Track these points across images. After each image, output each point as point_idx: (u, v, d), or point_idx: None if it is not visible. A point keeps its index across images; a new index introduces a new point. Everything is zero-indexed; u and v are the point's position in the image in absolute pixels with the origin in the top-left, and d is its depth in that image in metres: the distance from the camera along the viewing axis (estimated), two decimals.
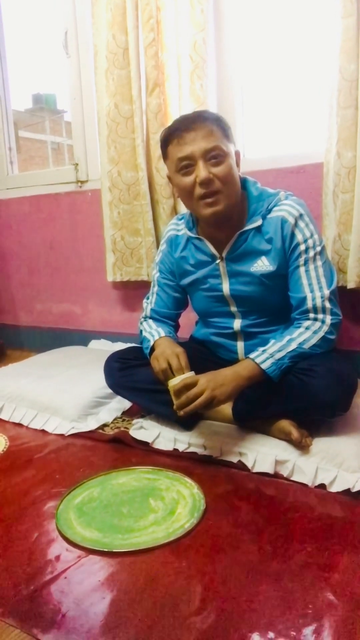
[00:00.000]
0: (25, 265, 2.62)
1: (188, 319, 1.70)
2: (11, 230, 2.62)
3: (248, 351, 1.38)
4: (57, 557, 1.01)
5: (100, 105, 2.02)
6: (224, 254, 1.43)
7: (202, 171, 1.28)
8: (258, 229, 1.38)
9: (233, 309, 1.49)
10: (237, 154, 1.37)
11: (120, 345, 2.22)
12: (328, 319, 1.33)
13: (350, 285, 1.61)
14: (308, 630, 0.80)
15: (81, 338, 2.42)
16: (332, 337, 1.33)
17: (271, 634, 0.80)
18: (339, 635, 0.79)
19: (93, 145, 2.24)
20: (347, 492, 1.18)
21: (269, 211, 1.38)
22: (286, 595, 0.88)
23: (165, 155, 1.38)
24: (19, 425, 1.71)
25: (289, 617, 0.83)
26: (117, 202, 2.06)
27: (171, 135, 1.32)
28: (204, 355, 1.57)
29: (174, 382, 1.28)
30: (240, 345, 1.52)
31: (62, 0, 2.21)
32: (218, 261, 1.44)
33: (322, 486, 1.22)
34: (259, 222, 1.37)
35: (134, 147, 1.99)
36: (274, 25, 1.88)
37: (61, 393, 1.74)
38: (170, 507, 1.16)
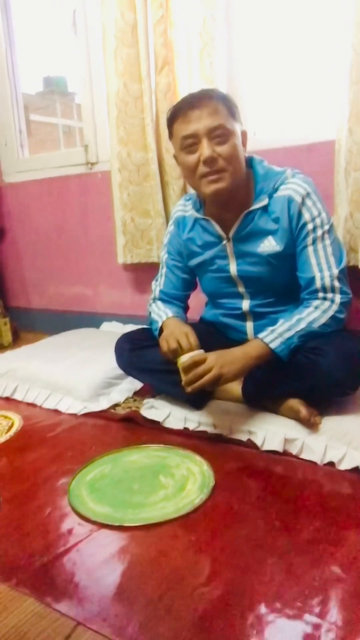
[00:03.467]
0: (36, 249, 2.63)
1: (198, 301, 1.70)
2: (22, 213, 2.63)
3: (257, 331, 1.38)
4: (70, 531, 1.04)
5: (109, 85, 2.00)
6: (230, 235, 1.42)
7: (205, 149, 1.27)
8: (265, 209, 1.37)
9: (241, 289, 1.49)
10: (244, 133, 1.36)
11: (131, 327, 2.22)
12: (337, 297, 1.32)
13: None
14: (314, 601, 0.82)
15: (93, 320, 2.44)
16: (342, 316, 1.33)
17: (277, 604, 0.82)
18: (345, 606, 0.81)
19: (103, 126, 2.23)
20: (356, 469, 1.19)
21: (276, 190, 1.36)
22: (293, 569, 0.90)
23: (170, 133, 1.37)
24: (33, 405, 1.74)
25: (296, 589, 0.85)
26: (127, 183, 2.05)
27: (176, 114, 1.31)
28: (213, 336, 1.57)
29: (183, 360, 1.29)
30: (249, 325, 1.52)
31: None
32: (225, 242, 1.44)
33: (331, 464, 1.23)
34: (265, 202, 1.36)
35: (143, 127, 1.98)
36: (285, 0, 1.84)
37: (73, 374, 1.76)
38: (180, 483, 1.18)
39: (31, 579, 0.90)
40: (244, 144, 1.36)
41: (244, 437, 1.36)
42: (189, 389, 1.27)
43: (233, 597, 0.84)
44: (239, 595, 0.84)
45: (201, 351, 1.31)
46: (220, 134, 1.27)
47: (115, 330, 2.31)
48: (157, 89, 1.90)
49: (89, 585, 0.88)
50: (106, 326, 2.39)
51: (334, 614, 0.79)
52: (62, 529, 1.05)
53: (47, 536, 1.02)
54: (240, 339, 1.51)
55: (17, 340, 2.57)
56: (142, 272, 2.25)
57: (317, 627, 0.77)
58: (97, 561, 0.94)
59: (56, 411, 1.67)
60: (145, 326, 1.65)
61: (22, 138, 2.65)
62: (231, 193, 1.34)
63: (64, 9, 2.26)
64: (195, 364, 1.26)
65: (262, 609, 0.81)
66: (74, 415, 1.63)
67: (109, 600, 0.85)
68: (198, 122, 1.27)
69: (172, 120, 1.33)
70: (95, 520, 1.06)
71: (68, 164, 2.42)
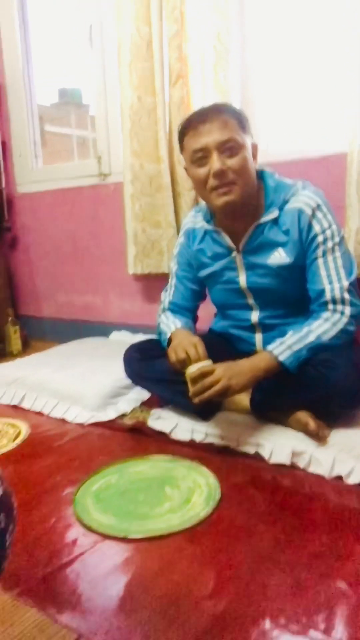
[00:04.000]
0: (48, 258, 2.65)
1: (207, 312, 1.70)
2: (35, 223, 2.66)
3: (267, 343, 1.37)
4: (74, 542, 1.03)
5: (123, 98, 2.03)
6: (240, 247, 1.42)
7: (215, 163, 1.28)
8: (275, 221, 1.37)
9: (250, 301, 1.48)
10: (254, 146, 1.37)
11: (140, 337, 2.23)
12: (347, 310, 1.31)
13: None
14: (319, 617, 0.80)
15: (102, 330, 2.45)
16: (352, 328, 1.32)
17: (282, 620, 0.80)
18: (350, 622, 0.79)
19: (116, 138, 2.25)
20: None
21: (286, 202, 1.36)
22: (298, 583, 0.88)
23: (181, 146, 1.38)
24: (40, 414, 1.74)
25: (300, 603, 0.83)
26: (139, 194, 2.07)
27: (187, 127, 1.33)
28: (222, 347, 1.56)
29: (192, 370, 1.28)
30: (258, 337, 1.52)
31: None
32: (234, 254, 1.44)
33: (338, 478, 1.21)
34: (275, 214, 1.36)
35: (156, 140, 2.00)
36: (298, 13, 1.86)
37: (82, 383, 1.76)
38: (186, 495, 1.17)
39: (34, 590, 0.89)
40: (255, 156, 1.37)
41: (251, 450, 1.34)
42: (196, 400, 1.27)
43: (237, 611, 0.82)
44: (243, 609, 0.83)
45: (209, 362, 1.31)
46: (230, 147, 1.28)
47: (124, 339, 2.31)
48: (171, 102, 1.92)
49: (92, 596, 0.87)
50: (116, 336, 2.39)
51: (339, 630, 0.78)
52: (67, 539, 1.04)
53: (51, 546, 1.02)
54: (249, 351, 1.50)
55: (27, 348, 2.59)
56: (153, 283, 2.26)
57: None
58: (101, 573, 0.94)
59: (63, 420, 1.67)
60: (154, 336, 1.65)
61: (36, 149, 2.68)
62: (241, 205, 1.34)
63: (81, 23, 2.30)
64: (203, 375, 1.26)
65: (267, 624, 0.80)
66: (81, 424, 1.63)
67: (112, 613, 0.84)
68: (208, 135, 1.28)
69: (183, 133, 1.35)
70: (100, 531, 1.05)
71: (81, 175, 2.44)
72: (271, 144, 1.95)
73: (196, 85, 1.89)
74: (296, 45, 1.89)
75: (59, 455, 1.42)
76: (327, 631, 0.78)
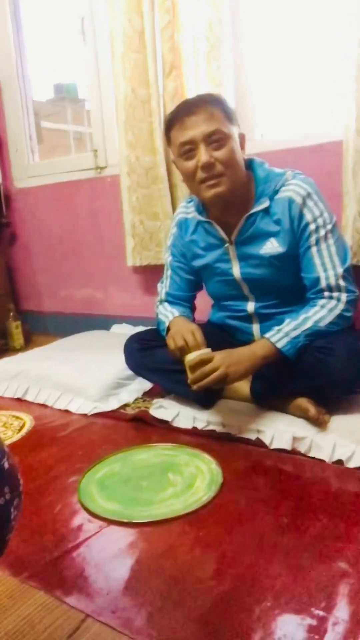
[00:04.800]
0: (47, 253, 2.67)
1: (205, 302, 1.71)
2: (33, 218, 2.67)
3: (264, 333, 1.38)
4: (80, 527, 1.05)
5: (117, 90, 2.03)
6: (233, 238, 1.43)
7: (203, 155, 1.28)
8: (266, 211, 1.37)
9: (245, 292, 1.49)
10: (242, 136, 1.37)
11: (141, 329, 2.23)
12: (344, 296, 1.32)
13: None
14: (320, 596, 0.82)
15: (103, 323, 2.46)
16: (349, 314, 1.33)
17: (284, 599, 0.82)
18: (352, 600, 0.81)
19: (111, 131, 2.26)
20: None
21: (276, 192, 1.37)
22: (300, 564, 0.90)
23: (168, 140, 1.38)
24: (44, 405, 1.76)
25: (302, 583, 0.85)
26: (136, 186, 2.07)
27: (173, 121, 1.33)
28: (221, 337, 1.57)
29: (191, 357, 1.30)
30: (255, 327, 1.53)
31: None
32: (227, 245, 1.45)
33: (339, 462, 1.23)
34: (266, 204, 1.37)
35: (151, 131, 2.00)
36: (291, 1, 1.86)
37: (84, 375, 1.78)
38: (189, 481, 1.19)
39: (41, 573, 0.91)
40: (243, 146, 1.37)
41: (252, 436, 1.36)
42: (195, 387, 1.28)
43: (240, 591, 0.84)
44: (246, 590, 0.85)
45: (208, 350, 1.32)
46: (217, 139, 1.28)
47: (125, 332, 2.32)
48: (165, 93, 1.92)
49: (98, 579, 0.90)
50: (116, 328, 2.41)
51: (341, 608, 0.80)
52: (72, 525, 1.06)
53: (57, 532, 1.04)
54: (247, 341, 1.51)
55: (29, 343, 2.60)
56: (152, 274, 2.27)
57: (323, 620, 0.77)
58: (107, 556, 0.96)
59: (67, 411, 1.69)
60: (154, 327, 1.67)
61: (32, 144, 2.69)
62: (231, 196, 1.35)
63: (73, 16, 2.30)
64: (202, 362, 1.27)
65: (269, 603, 0.82)
66: (85, 415, 1.64)
67: (118, 594, 0.86)
68: (194, 128, 1.28)
69: (169, 127, 1.35)
70: (104, 516, 1.07)
71: (78, 169, 2.45)
72: (266, 134, 1.95)
73: (190, 76, 1.89)
74: (289, 33, 1.88)
75: (63, 446, 1.44)
76: (329, 609, 0.79)
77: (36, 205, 2.64)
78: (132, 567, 0.92)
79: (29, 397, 1.81)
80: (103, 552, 0.97)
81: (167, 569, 0.91)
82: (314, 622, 0.77)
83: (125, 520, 1.05)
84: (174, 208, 2.03)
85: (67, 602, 0.84)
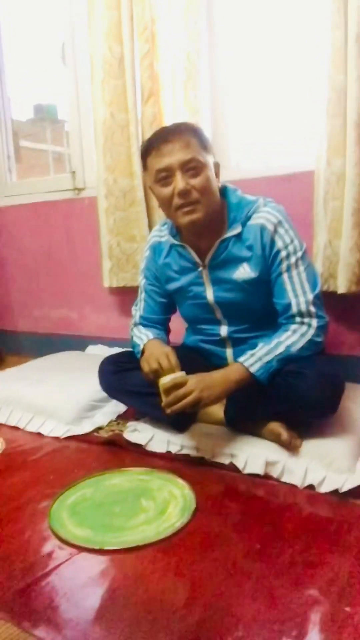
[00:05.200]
0: (23, 272, 2.65)
1: (181, 324, 1.72)
2: (9, 237, 2.65)
3: (237, 357, 1.38)
4: (49, 555, 1.03)
5: (96, 114, 2.06)
6: (206, 262, 1.45)
7: (179, 182, 1.30)
8: (238, 236, 1.40)
9: (219, 315, 1.51)
10: (217, 165, 1.40)
11: (116, 350, 2.23)
12: (314, 322, 1.35)
13: (341, 290, 1.64)
14: (292, 624, 0.82)
15: (78, 343, 2.45)
16: (319, 339, 1.36)
17: (255, 628, 0.82)
18: (323, 629, 0.81)
19: (90, 153, 2.28)
20: (336, 492, 1.20)
21: (249, 218, 1.40)
22: (272, 592, 0.90)
23: (144, 166, 1.40)
24: (15, 428, 1.73)
25: (274, 612, 0.85)
26: (113, 209, 2.09)
27: (150, 147, 1.35)
28: (195, 361, 1.57)
29: (165, 381, 1.30)
30: (229, 351, 1.54)
31: (60, 12, 2.26)
32: (200, 269, 1.47)
33: (311, 487, 1.24)
34: (238, 230, 1.39)
35: (129, 155, 2.03)
36: (266, 36, 1.93)
37: (57, 396, 1.76)
38: (162, 506, 1.18)
39: (9, 603, 0.89)
40: (217, 174, 1.40)
41: (226, 461, 1.36)
42: (168, 411, 1.28)
43: (211, 621, 0.84)
44: (217, 619, 0.84)
45: (182, 373, 1.32)
46: (193, 167, 1.31)
47: (100, 353, 2.31)
48: (143, 119, 1.96)
49: (68, 609, 0.88)
50: (92, 349, 2.40)
51: (312, 636, 0.80)
52: (42, 552, 1.04)
53: (26, 560, 1.01)
54: (221, 365, 1.52)
55: (1, 363, 2.57)
56: (128, 296, 2.27)
57: None
58: (77, 585, 0.94)
59: (39, 434, 1.67)
60: (129, 349, 1.67)
61: (10, 163, 2.69)
62: (206, 222, 1.37)
63: (54, 40, 2.33)
64: (176, 386, 1.28)
65: (240, 632, 0.81)
66: (57, 438, 1.62)
67: (88, 625, 0.84)
68: (171, 155, 1.30)
69: (146, 153, 1.37)
70: (75, 543, 1.06)
71: (56, 190, 2.46)
72: (241, 162, 2.00)
73: (167, 103, 1.93)
74: (265, 65, 1.95)
75: (35, 470, 1.42)
76: (300, 638, 0.79)
77: (13, 225, 2.63)
78: (102, 596, 0.91)
79: (0, 419, 1.78)
80: (73, 581, 0.95)
81: (138, 597, 0.90)
82: None
83: (96, 547, 1.04)
84: (151, 231, 2.05)
85: (35, 634, 0.82)
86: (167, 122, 1.93)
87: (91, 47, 2.02)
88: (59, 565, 0.99)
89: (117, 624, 0.84)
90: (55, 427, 1.66)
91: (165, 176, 1.33)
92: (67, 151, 2.48)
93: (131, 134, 2.00)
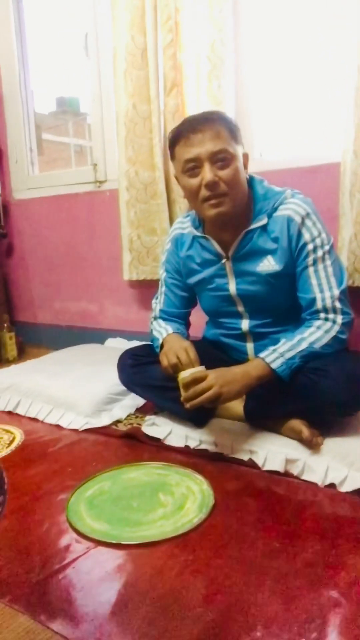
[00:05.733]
0: (44, 264, 2.66)
1: (200, 318, 1.70)
2: (32, 229, 2.66)
3: (258, 352, 1.36)
4: (67, 548, 1.03)
5: (118, 105, 2.04)
6: (230, 253, 1.43)
7: (207, 174, 1.28)
8: (264, 228, 1.37)
9: (240, 308, 1.49)
10: (245, 156, 1.37)
11: (135, 344, 2.22)
12: (339, 318, 1.32)
13: None
14: (311, 626, 0.80)
15: (98, 336, 2.45)
16: (344, 336, 1.33)
17: (274, 628, 0.80)
18: (343, 632, 0.79)
19: (112, 145, 2.27)
20: (357, 492, 1.18)
21: (275, 210, 1.37)
22: (290, 592, 0.88)
23: (172, 155, 1.38)
24: (35, 419, 1.74)
25: (293, 612, 0.83)
26: (134, 201, 2.08)
27: (178, 136, 1.32)
28: (215, 355, 1.56)
29: (184, 375, 1.29)
30: (250, 346, 1.52)
31: (83, 4, 2.24)
32: (224, 260, 1.44)
33: (332, 485, 1.21)
34: (264, 221, 1.36)
35: (151, 147, 2.01)
36: (292, 25, 1.88)
37: (76, 389, 1.76)
38: (180, 502, 1.17)
39: (26, 596, 0.89)
40: (246, 166, 1.37)
41: (245, 457, 1.35)
42: (187, 406, 1.27)
43: (229, 620, 0.82)
44: (235, 618, 0.83)
45: (202, 367, 1.31)
46: (222, 158, 1.28)
47: (119, 346, 2.31)
48: (166, 110, 1.94)
49: (83, 603, 0.87)
50: (111, 342, 2.40)
51: (332, 639, 0.78)
52: (60, 545, 1.04)
53: (44, 552, 1.01)
54: (241, 359, 1.50)
55: (22, 355, 2.59)
56: (148, 289, 2.26)
57: None
58: (93, 579, 0.93)
59: (58, 426, 1.67)
60: (148, 342, 1.66)
61: (32, 156, 2.70)
62: (232, 215, 1.35)
63: (77, 32, 2.32)
64: (196, 380, 1.26)
65: (258, 632, 0.80)
66: (76, 430, 1.62)
67: (103, 620, 0.84)
68: (200, 146, 1.28)
69: (174, 142, 1.35)
70: (92, 537, 1.05)
71: (77, 182, 2.46)
72: (265, 153, 1.96)
73: (191, 93, 1.91)
74: (291, 56, 1.91)
75: (53, 462, 1.42)
76: None
77: (34, 217, 2.64)
78: (118, 591, 0.90)
79: (20, 411, 1.79)
80: (90, 575, 0.95)
81: (155, 594, 0.89)
82: None
83: (113, 542, 1.03)
84: (171, 224, 2.02)
85: (51, 627, 0.82)
86: (190, 112, 1.90)
87: (114, 38, 2.01)
88: (76, 559, 0.99)
89: (133, 619, 0.83)
90: (74, 420, 1.66)
91: (193, 167, 1.30)
92: (89, 144, 2.47)
93: (153, 126, 1.98)
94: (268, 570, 0.94)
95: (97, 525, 1.09)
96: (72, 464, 1.40)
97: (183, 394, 1.28)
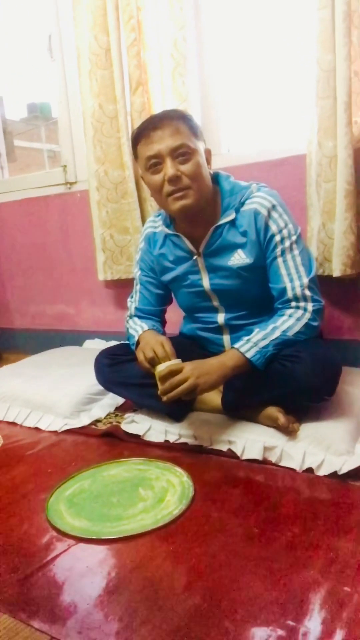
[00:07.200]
0: (18, 269, 2.64)
1: (177, 315, 1.71)
2: (3, 234, 2.64)
3: (235, 344, 1.38)
4: (47, 546, 1.02)
5: (85, 106, 2.04)
6: (201, 250, 1.44)
7: (169, 169, 1.29)
8: (232, 223, 1.39)
9: (215, 303, 1.50)
10: (207, 151, 1.39)
11: (113, 344, 2.22)
12: (310, 306, 1.34)
13: (336, 273, 1.62)
14: (291, 605, 0.81)
15: (75, 338, 2.44)
16: (316, 323, 1.34)
17: (255, 610, 0.81)
18: (322, 609, 0.80)
19: (80, 147, 2.26)
20: (334, 475, 1.19)
21: (242, 204, 1.38)
22: (271, 574, 0.89)
23: (135, 155, 1.39)
24: (13, 424, 1.72)
25: (273, 593, 0.84)
26: (105, 201, 2.07)
27: (139, 135, 1.34)
28: (192, 349, 1.57)
29: (160, 369, 1.29)
30: (226, 338, 1.53)
31: (45, 5, 2.24)
32: (196, 257, 1.45)
33: (309, 470, 1.23)
34: (232, 216, 1.38)
35: (119, 146, 2.01)
36: (253, 19, 1.90)
37: (54, 391, 1.75)
38: (160, 495, 1.17)
39: (7, 595, 0.88)
40: (209, 161, 1.39)
41: (224, 447, 1.36)
42: (165, 399, 1.27)
43: (210, 604, 0.83)
44: (216, 602, 0.83)
45: (178, 360, 1.31)
46: (183, 153, 1.30)
47: (98, 347, 2.30)
48: (132, 109, 1.94)
49: (65, 599, 0.87)
50: (89, 344, 2.39)
51: (312, 617, 0.79)
52: (40, 544, 1.03)
53: (23, 552, 1.01)
54: (218, 352, 1.50)
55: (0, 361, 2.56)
56: (123, 289, 2.26)
57: (293, 630, 0.77)
58: (74, 575, 0.93)
59: (37, 429, 1.66)
60: (125, 342, 1.66)
61: (2, 161, 2.68)
62: (198, 209, 1.36)
63: (41, 34, 2.31)
64: (172, 373, 1.26)
65: (239, 615, 0.80)
66: (55, 432, 1.62)
67: (86, 614, 0.83)
68: (160, 142, 1.29)
69: (136, 142, 1.36)
70: (73, 534, 1.05)
71: (47, 184, 2.44)
72: (232, 148, 1.98)
73: (156, 92, 1.91)
74: (254, 50, 1.93)
75: (33, 464, 1.41)
76: (299, 619, 0.79)
77: (5, 222, 2.61)
78: (100, 584, 0.90)
79: None
80: (71, 571, 0.94)
81: (136, 584, 0.89)
82: (284, 633, 0.76)
83: (93, 537, 1.03)
84: (143, 222, 2.03)
85: (32, 624, 0.81)
86: (157, 110, 1.91)
87: (77, 38, 2.00)
88: (56, 557, 0.99)
89: (115, 610, 0.83)
90: (53, 422, 1.65)
91: (155, 163, 1.31)
92: (61, 149, 2.46)
93: (120, 125, 1.98)
94: (248, 555, 0.95)
95: (77, 523, 1.09)
96: (52, 465, 1.39)
97: (160, 387, 1.29)
